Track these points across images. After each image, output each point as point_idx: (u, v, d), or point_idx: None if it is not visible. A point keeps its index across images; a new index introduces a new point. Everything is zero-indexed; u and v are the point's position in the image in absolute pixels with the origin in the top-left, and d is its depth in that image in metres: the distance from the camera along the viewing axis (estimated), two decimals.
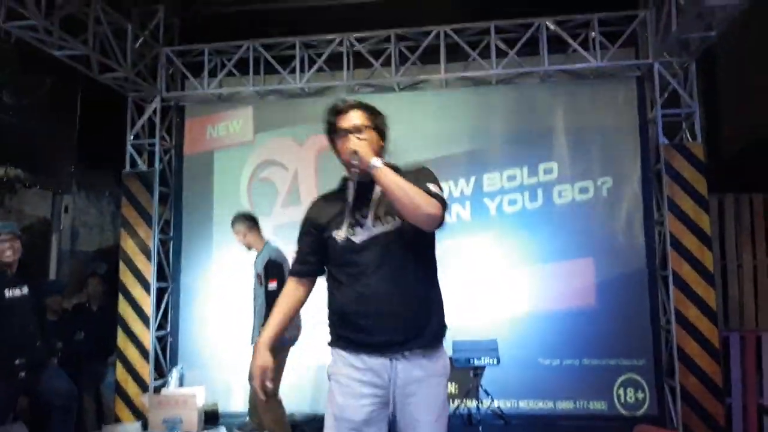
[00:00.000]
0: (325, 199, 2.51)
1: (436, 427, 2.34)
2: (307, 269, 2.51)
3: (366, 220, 2.34)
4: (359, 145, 2.30)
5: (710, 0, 4.53)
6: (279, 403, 4.75)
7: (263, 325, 3.47)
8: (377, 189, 2.34)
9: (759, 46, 6.51)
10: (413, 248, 2.33)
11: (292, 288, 2.52)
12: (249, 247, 5.11)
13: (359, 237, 2.33)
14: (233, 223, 5.10)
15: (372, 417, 2.30)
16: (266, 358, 2.39)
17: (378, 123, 2.44)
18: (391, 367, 2.29)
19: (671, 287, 5.39)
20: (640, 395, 5.68)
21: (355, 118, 2.39)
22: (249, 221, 5.09)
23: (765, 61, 6.47)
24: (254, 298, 4.94)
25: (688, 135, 5.62)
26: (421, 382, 2.31)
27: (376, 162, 2.24)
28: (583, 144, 6.04)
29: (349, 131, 2.36)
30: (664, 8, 5.32)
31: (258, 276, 4.90)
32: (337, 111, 2.42)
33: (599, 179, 5.98)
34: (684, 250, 5.37)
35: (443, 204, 2.26)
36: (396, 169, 2.33)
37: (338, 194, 2.45)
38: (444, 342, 2.43)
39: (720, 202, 5.75)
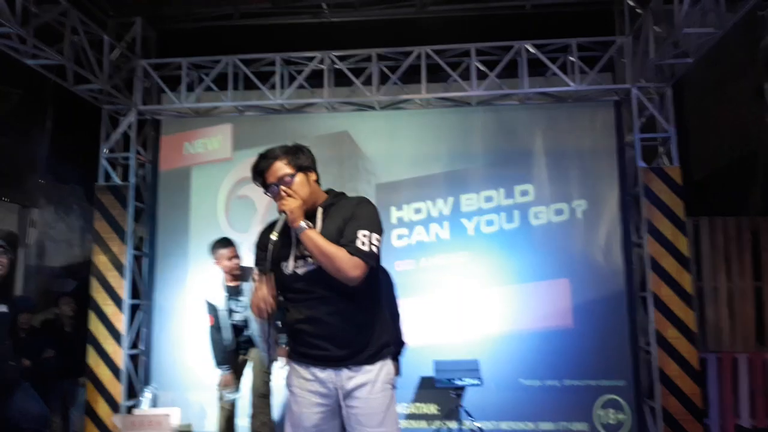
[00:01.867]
0: (272, 231, 2.49)
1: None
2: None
3: (309, 256, 2.47)
4: (289, 207, 2.42)
5: (687, 28, 4.66)
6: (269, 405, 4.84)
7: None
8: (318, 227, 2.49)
9: (727, 71, 6.72)
10: None
11: None
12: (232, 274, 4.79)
13: (303, 269, 2.49)
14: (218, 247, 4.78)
15: (321, 423, 2.51)
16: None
17: (301, 163, 2.54)
18: (336, 377, 2.49)
19: (651, 309, 5.45)
20: (621, 416, 5.70)
21: (279, 169, 2.50)
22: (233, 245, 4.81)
23: (733, 85, 6.67)
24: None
25: (665, 159, 5.74)
26: (363, 387, 2.47)
27: (302, 225, 2.40)
28: (560, 166, 6.10)
29: (276, 185, 2.49)
30: (641, 35, 5.45)
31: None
32: (259, 171, 2.53)
33: (574, 202, 6.04)
34: (663, 272, 5.45)
35: (367, 261, 2.40)
36: (337, 195, 2.59)
37: (284, 228, 2.48)
38: (386, 356, 2.57)
39: (695, 225, 5.85)
